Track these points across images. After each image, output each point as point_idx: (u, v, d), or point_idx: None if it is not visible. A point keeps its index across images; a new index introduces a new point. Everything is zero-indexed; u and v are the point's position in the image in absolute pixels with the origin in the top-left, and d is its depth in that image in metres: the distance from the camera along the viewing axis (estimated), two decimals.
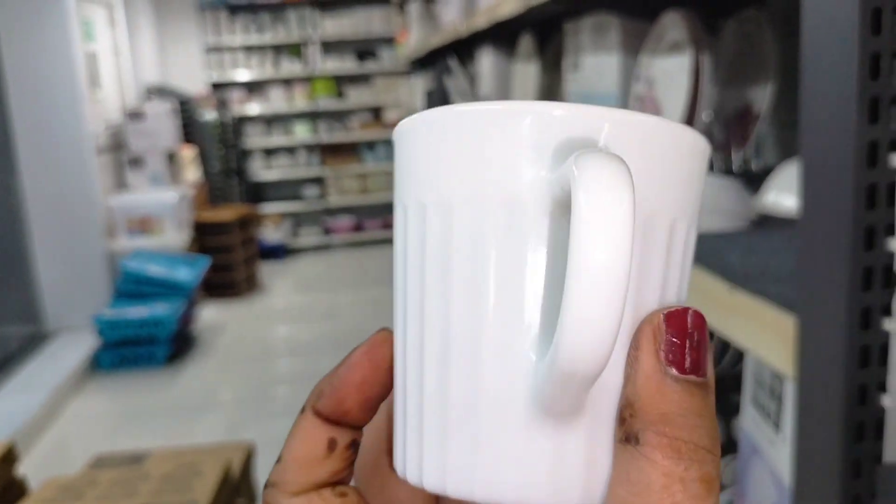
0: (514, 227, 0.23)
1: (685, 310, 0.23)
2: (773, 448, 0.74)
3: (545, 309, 0.23)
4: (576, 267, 0.20)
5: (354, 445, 0.27)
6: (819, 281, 0.48)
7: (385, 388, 0.27)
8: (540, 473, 0.23)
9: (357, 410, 0.26)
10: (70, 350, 3.71)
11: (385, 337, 0.27)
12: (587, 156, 0.21)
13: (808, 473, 0.52)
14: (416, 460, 0.25)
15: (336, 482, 0.27)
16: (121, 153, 4.61)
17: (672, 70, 1.13)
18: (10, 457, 1.89)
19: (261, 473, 2.16)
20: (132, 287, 3.87)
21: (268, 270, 5.71)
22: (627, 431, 0.22)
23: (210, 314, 4.59)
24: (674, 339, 0.22)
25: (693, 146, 0.25)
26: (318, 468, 0.26)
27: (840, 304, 0.46)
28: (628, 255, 0.20)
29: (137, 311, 3.69)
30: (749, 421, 0.81)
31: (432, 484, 0.25)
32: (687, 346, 0.22)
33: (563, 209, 0.22)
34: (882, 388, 0.47)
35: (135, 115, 4.59)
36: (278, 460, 0.27)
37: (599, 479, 0.24)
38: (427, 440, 0.25)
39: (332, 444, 0.26)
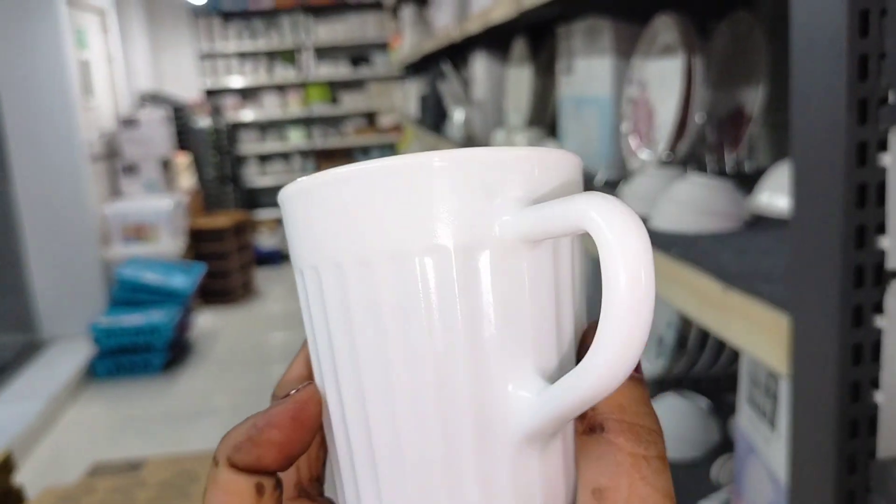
0: (479, 271, 0.24)
1: None
2: (769, 446, 0.74)
3: (530, 343, 0.25)
4: (617, 297, 0.21)
5: (280, 485, 0.26)
6: (811, 279, 0.49)
7: (307, 445, 0.26)
8: (535, 494, 0.25)
9: (276, 466, 0.26)
10: (66, 358, 3.70)
11: (311, 395, 0.26)
12: (596, 199, 0.22)
13: (803, 470, 0.53)
14: None
15: None
16: (115, 161, 4.61)
17: (665, 72, 1.14)
18: (8, 466, 1.89)
19: None
20: (128, 295, 3.87)
21: (263, 277, 5.71)
22: (591, 423, 0.25)
23: (206, 321, 4.59)
24: None
25: (577, 164, 0.27)
26: None
27: (832, 302, 0.47)
28: (654, 279, 0.21)
29: (133, 319, 3.68)
30: (745, 420, 0.81)
31: None
32: None
33: (526, 245, 0.24)
34: (875, 384, 0.48)
35: (128, 123, 4.59)
36: None
37: (572, 473, 0.26)
38: (411, 492, 0.25)
39: (260, 490, 0.25)
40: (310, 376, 0.29)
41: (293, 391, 0.27)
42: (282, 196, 0.27)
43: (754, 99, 1.12)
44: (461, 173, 0.24)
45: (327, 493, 0.30)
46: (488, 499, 0.24)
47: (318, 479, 0.30)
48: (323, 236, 0.25)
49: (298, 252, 0.27)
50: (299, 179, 0.26)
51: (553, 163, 0.25)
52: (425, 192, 0.24)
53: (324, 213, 0.25)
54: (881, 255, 0.46)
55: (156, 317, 3.70)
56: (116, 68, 4.93)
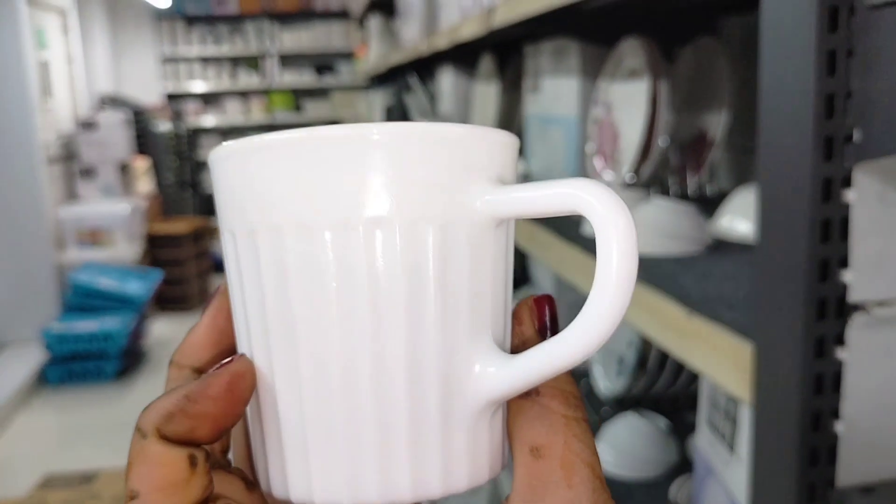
0: (455, 247, 0.25)
1: (545, 295, 0.28)
2: (728, 469, 0.75)
3: (489, 317, 0.26)
4: (611, 274, 0.22)
5: (209, 457, 0.26)
6: (775, 310, 0.50)
7: (238, 418, 0.26)
8: (484, 456, 0.26)
9: (207, 439, 0.25)
10: (17, 364, 3.62)
11: (247, 367, 0.26)
12: (587, 183, 0.23)
13: (764, 497, 0.54)
14: (346, 479, 0.25)
15: (208, 497, 0.25)
16: (72, 163, 4.53)
17: (630, 95, 1.16)
18: None
19: None
20: (82, 300, 3.80)
21: None
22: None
23: (161, 328, 4.52)
24: (542, 316, 0.28)
25: (516, 146, 0.29)
26: (188, 489, 0.25)
27: (795, 334, 0.48)
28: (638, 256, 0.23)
29: (87, 325, 3.61)
30: (704, 442, 0.82)
31: (379, 496, 0.25)
32: (548, 320, 0.28)
33: (497, 225, 0.25)
34: (835, 414, 0.49)
35: (87, 125, 4.52)
36: (132, 497, 0.25)
37: (506, 434, 0.27)
38: (370, 458, 0.25)
39: (193, 461, 0.25)
40: (214, 343, 0.29)
41: (225, 361, 0.26)
42: (215, 156, 0.27)
43: (717, 124, 1.14)
44: (439, 149, 0.24)
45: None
46: (447, 467, 0.25)
47: (227, 450, 0.30)
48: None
49: (232, 214, 0.26)
50: (229, 142, 0.26)
51: (512, 145, 0.27)
52: (401, 166, 0.24)
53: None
54: (844, 288, 0.47)
55: (110, 323, 3.63)
56: (76, 69, 4.86)
